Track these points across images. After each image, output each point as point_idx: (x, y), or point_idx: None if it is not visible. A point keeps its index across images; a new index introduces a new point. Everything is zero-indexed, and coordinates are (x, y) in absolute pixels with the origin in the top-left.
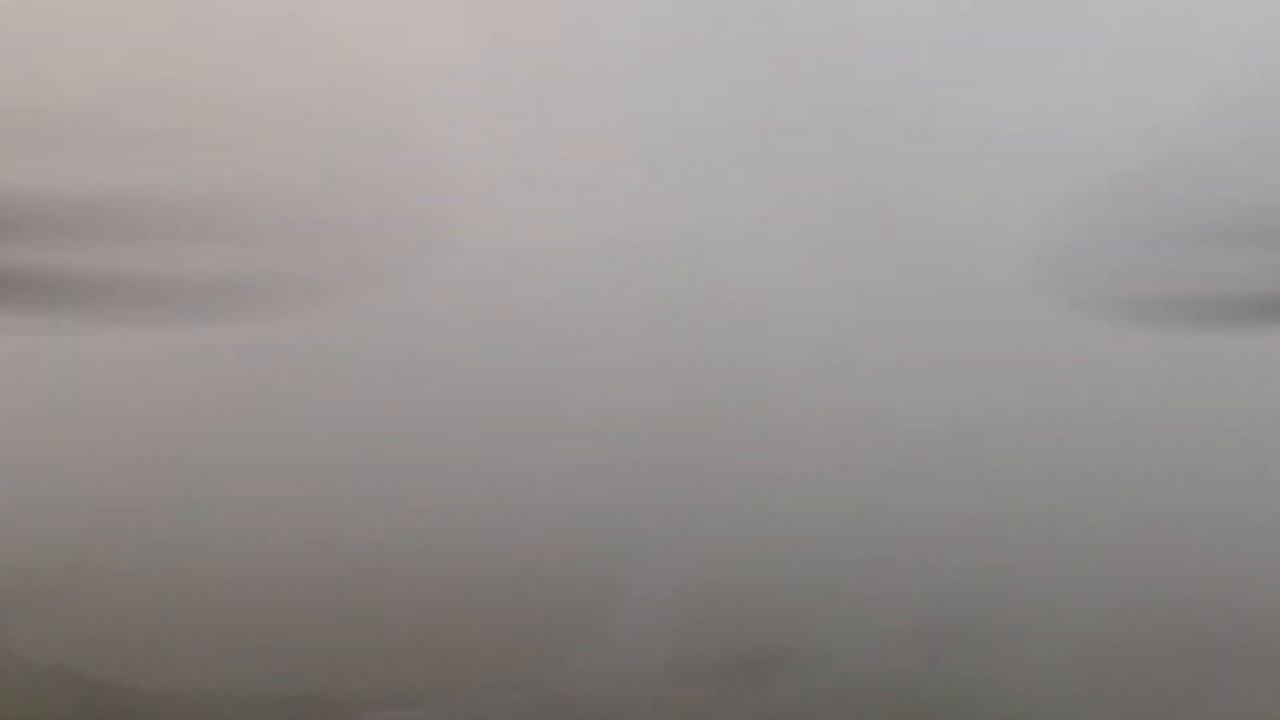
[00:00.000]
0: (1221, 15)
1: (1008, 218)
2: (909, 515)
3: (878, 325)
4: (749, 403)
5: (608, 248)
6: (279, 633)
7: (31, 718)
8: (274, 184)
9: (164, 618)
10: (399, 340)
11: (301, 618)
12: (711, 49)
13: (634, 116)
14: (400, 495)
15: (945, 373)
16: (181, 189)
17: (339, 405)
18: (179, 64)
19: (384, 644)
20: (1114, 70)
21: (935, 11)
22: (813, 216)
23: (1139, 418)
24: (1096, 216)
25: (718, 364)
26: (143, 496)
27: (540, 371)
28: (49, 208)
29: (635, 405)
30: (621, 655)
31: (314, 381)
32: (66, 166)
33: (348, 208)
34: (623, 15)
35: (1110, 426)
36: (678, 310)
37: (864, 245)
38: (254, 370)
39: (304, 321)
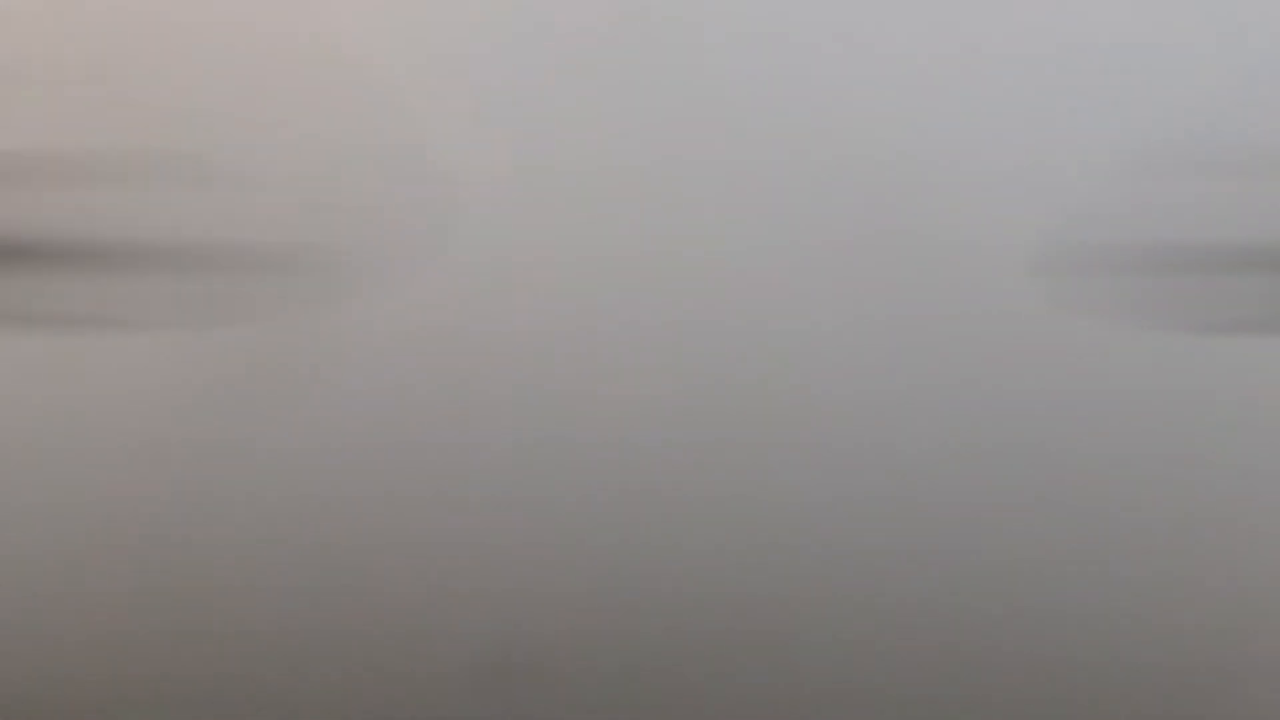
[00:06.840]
0: (1215, 21)
1: (1008, 220)
2: (908, 518)
3: (877, 334)
4: (748, 416)
5: (606, 259)
6: (263, 652)
7: None
8: (268, 192)
9: (152, 638)
10: (394, 348)
11: (288, 637)
12: (715, 68)
13: (638, 131)
14: (390, 513)
15: (947, 387)
16: (175, 199)
17: (326, 418)
18: (175, 73)
19: (376, 667)
20: (1114, 72)
21: (930, 19)
22: (809, 222)
23: (1142, 425)
24: (1097, 219)
25: (717, 379)
26: (126, 509)
27: (538, 386)
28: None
29: (634, 417)
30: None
31: (304, 393)
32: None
33: (343, 215)
34: (629, 26)
35: (1114, 436)
36: (680, 323)
37: (863, 249)
38: (246, 379)
39: (299, 330)
